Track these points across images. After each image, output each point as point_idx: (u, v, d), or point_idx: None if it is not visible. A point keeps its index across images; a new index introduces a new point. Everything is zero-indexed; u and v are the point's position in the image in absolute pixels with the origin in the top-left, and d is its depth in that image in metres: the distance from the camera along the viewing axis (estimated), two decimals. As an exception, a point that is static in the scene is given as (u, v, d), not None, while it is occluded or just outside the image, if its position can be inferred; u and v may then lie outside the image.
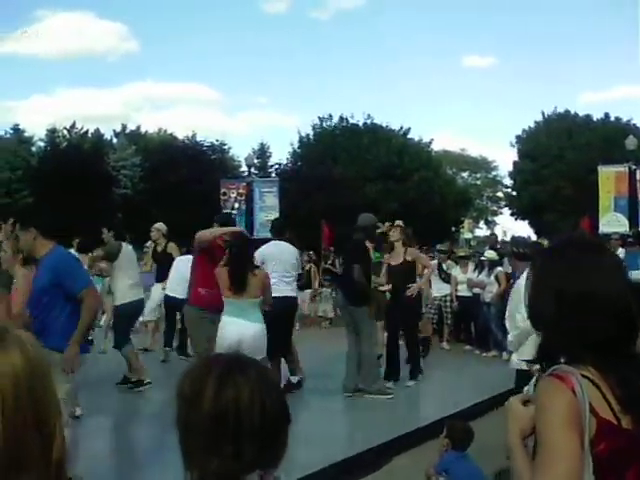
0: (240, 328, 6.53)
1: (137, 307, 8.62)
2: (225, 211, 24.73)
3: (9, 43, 79.43)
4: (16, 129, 41.27)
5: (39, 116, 71.96)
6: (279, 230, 9.14)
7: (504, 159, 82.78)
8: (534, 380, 2.10)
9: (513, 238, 7.81)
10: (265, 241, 9.03)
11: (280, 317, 7.82)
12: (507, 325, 6.52)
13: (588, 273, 1.81)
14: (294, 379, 8.79)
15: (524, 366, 5.94)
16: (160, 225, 11.36)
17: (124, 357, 8.37)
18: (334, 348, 11.22)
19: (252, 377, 1.46)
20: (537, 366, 3.22)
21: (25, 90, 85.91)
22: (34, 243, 5.14)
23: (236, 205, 25.71)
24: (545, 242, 20.52)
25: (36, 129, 67.20)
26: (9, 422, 1.24)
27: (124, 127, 47.17)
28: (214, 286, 6.86)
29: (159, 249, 11.10)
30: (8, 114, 69.47)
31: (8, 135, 40.84)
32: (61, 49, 76.30)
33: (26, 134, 41.62)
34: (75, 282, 5.04)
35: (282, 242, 8.79)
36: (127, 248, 8.71)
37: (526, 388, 4.42)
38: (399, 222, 10.32)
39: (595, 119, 44.55)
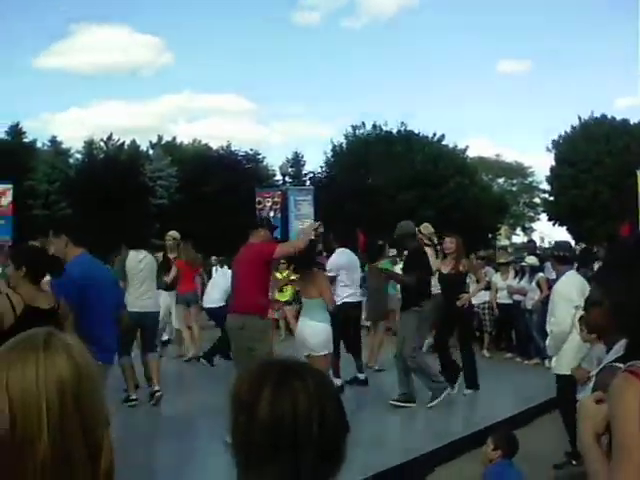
0: (303, 325, 7.19)
1: (138, 319, 8.25)
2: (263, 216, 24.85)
3: (45, 57, 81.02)
4: (53, 141, 41.94)
5: (76, 128, 73.09)
6: (344, 237, 9.83)
7: (540, 165, 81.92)
8: (591, 385, 2.04)
9: (556, 243, 7.73)
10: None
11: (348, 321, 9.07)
12: (548, 330, 6.42)
13: None
14: (361, 376, 9.43)
15: (566, 371, 5.83)
16: (174, 233, 11.67)
17: (120, 367, 8.01)
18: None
19: (310, 383, 1.41)
20: (594, 371, 3.08)
21: (62, 103, 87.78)
22: (65, 250, 5.50)
23: (271, 214, 25.78)
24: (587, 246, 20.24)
25: (73, 141, 68.46)
26: (55, 430, 1.21)
27: (160, 138, 47.73)
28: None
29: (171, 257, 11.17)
30: (46, 126, 71.12)
31: (46, 147, 41.51)
32: (97, 62, 77.41)
33: (63, 146, 42.30)
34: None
35: (347, 250, 9.59)
36: (135, 258, 8.53)
37: (582, 394, 4.31)
38: (427, 225, 10.21)
39: (632, 123, 43.91)
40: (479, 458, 4.88)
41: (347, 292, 9.41)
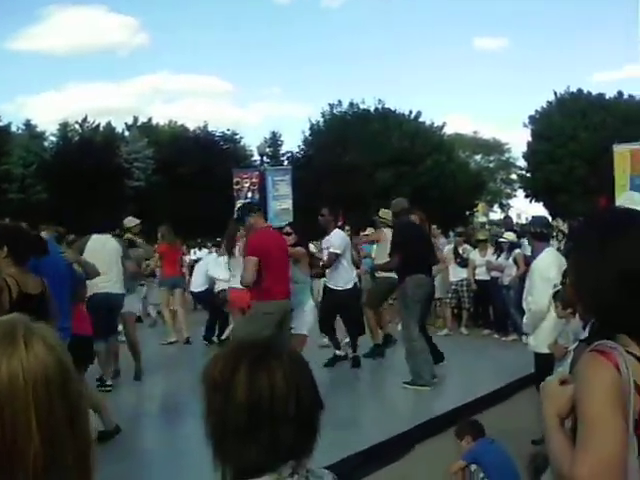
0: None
1: (101, 300, 8.16)
2: (242, 201, 24.77)
3: (20, 39, 79.76)
4: (28, 124, 41.40)
5: (51, 111, 72.37)
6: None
7: (517, 141, 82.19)
8: (569, 360, 2.03)
9: (533, 218, 7.71)
10: (280, 229, 8.99)
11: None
12: (524, 307, 6.45)
13: None
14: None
15: (544, 349, 5.89)
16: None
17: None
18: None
19: (285, 362, 1.42)
20: (572, 346, 3.08)
21: (36, 86, 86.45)
22: None
23: (249, 194, 25.63)
24: (560, 223, 20.40)
25: (48, 124, 67.50)
26: (44, 423, 1.18)
27: (136, 120, 47.25)
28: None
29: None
30: (20, 110, 70.10)
31: (20, 131, 40.98)
32: (72, 44, 76.33)
33: (38, 129, 41.78)
34: None
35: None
36: (96, 241, 8.41)
37: (560, 369, 4.32)
38: (386, 211, 10.20)
39: (608, 97, 44.12)
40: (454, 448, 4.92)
41: (350, 275, 9.56)
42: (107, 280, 8.09)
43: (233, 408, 1.39)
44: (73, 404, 1.24)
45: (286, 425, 1.38)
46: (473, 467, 4.52)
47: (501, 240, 12.29)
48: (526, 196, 49.35)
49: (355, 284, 9.73)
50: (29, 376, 1.18)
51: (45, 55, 71.16)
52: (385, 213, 10.32)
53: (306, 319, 8.26)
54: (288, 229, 9.61)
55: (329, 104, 45.35)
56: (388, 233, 9.56)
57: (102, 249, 8.18)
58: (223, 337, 10.89)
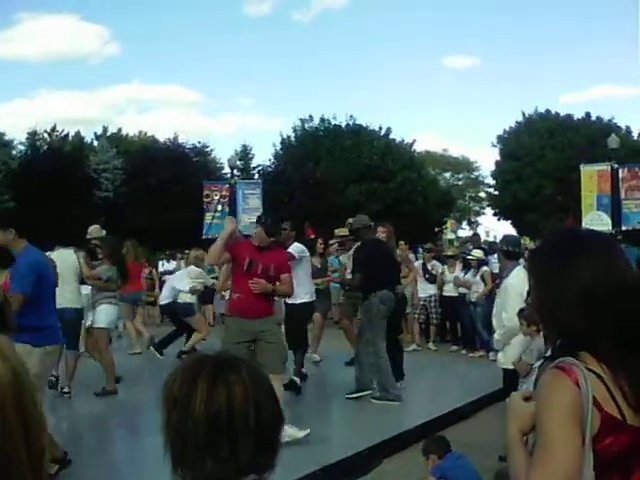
0: None
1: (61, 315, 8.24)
2: (212, 214, 24.73)
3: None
4: (-5, 133, 40.86)
5: (20, 119, 71.27)
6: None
7: (486, 159, 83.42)
8: (534, 377, 2.05)
9: (504, 236, 7.79)
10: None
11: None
12: (494, 324, 6.51)
13: (616, 263, 1.75)
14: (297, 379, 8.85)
15: (511, 365, 5.94)
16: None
17: None
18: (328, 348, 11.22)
19: (244, 376, 1.41)
20: (536, 363, 3.12)
21: (5, 93, 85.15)
22: (12, 243, 5.53)
23: (219, 207, 25.60)
24: (527, 241, 20.59)
25: (17, 132, 66.86)
26: None
27: (105, 130, 46.88)
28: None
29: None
30: (-12, 117, 68.96)
31: (-13, 139, 40.44)
32: (43, 52, 75.77)
33: (6, 137, 41.22)
34: (14, 282, 5.34)
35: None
36: (59, 256, 8.17)
37: (525, 386, 4.38)
38: (350, 220, 10.12)
39: (576, 118, 44.79)
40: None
41: (308, 288, 9.12)
42: (60, 295, 8.03)
43: (192, 423, 1.38)
44: (27, 414, 1.20)
45: (246, 439, 1.37)
46: (441, 483, 4.54)
47: (469, 257, 12.41)
48: (494, 214, 49.83)
49: (312, 299, 9.29)
50: None
51: (16, 62, 70.45)
52: (340, 230, 10.46)
53: None
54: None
55: (300, 119, 45.40)
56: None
57: (63, 264, 8.09)
58: (185, 349, 10.79)
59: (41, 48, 74.76)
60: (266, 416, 1.40)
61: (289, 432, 6.08)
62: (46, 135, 42.73)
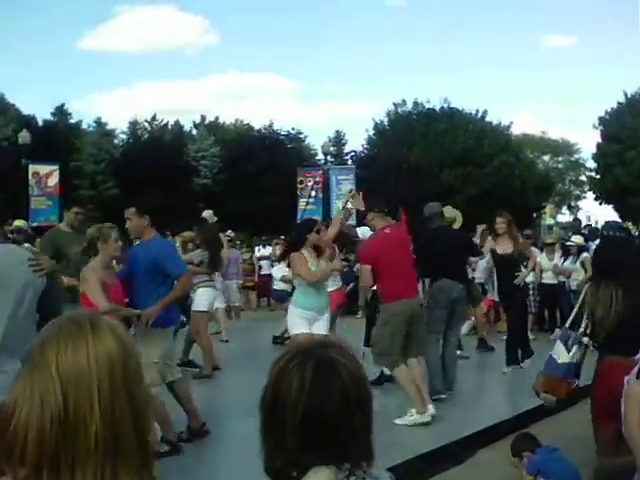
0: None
1: None
2: (306, 200, 24.91)
3: (90, 38, 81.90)
4: (99, 122, 42.42)
5: (121, 109, 74.08)
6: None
7: (587, 141, 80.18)
8: (637, 367, 1.97)
9: (606, 222, 7.52)
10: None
11: None
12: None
13: None
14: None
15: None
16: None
17: None
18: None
19: (308, 369, 1.42)
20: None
21: (107, 84, 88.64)
22: (144, 229, 5.83)
23: (313, 193, 25.78)
24: (630, 226, 19.80)
25: (119, 122, 69.21)
26: (105, 410, 1.23)
27: (203, 118, 47.97)
28: None
29: None
30: (91, 108, 72.00)
31: (91, 128, 42.02)
32: (142, 43, 78.12)
33: (108, 127, 42.76)
34: (177, 266, 5.81)
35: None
36: None
37: (628, 376, 4.24)
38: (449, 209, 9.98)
39: (682, 97, 42.70)
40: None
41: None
42: None
43: (265, 406, 1.44)
44: (134, 388, 1.28)
45: (342, 428, 1.39)
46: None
47: (569, 244, 12.03)
48: (596, 198, 48.15)
49: None
50: (93, 359, 1.24)
51: (116, 54, 72.90)
52: (451, 211, 10.17)
53: None
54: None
55: (393, 103, 45.13)
56: None
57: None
58: (278, 334, 10.86)
59: (140, 40, 77.10)
60: (362, 406, 1.42)
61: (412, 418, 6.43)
62: (146, 124, 44.14)
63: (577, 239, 12.01)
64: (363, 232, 8.24)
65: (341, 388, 1.41)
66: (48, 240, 6.91)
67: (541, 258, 12.43)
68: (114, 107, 71.58)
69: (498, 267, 9.60)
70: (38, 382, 1.23)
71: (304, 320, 6.60)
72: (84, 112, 58.22)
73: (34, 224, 18.05)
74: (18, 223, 10.90)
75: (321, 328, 6.59)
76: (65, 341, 1.25)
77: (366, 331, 8.86)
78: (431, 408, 6.65)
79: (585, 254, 11.51)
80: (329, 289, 8.47)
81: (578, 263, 11.53)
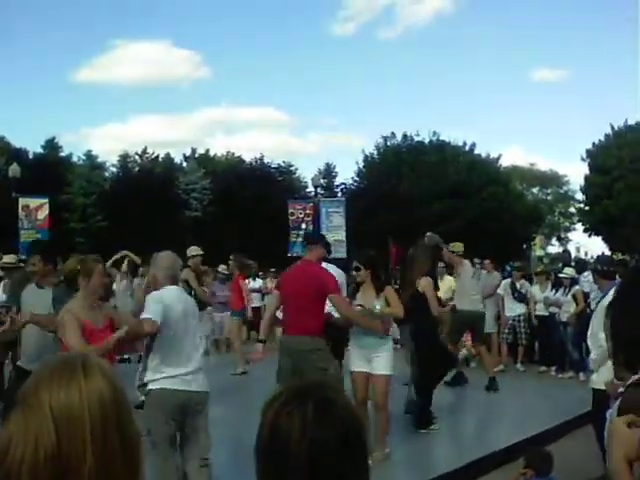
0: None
1: None
2: (297, 232, 24.97)
3: (85, 71, 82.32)
4: (89, 155, 42.53)
5: (112, 142, 74.11)
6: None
7: (575, 173, 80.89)
8: (618, 402, 1.96)
9: (599, 257, 7.58)
10: (332, 261, 8.76)
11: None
12: (589, 344, 6.31)
13: None
14: None
15: (602, 386, 5.74)
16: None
17: None
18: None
19: (309, 409, 1.39)
20: (621, 388, 3.03)
21: (99, 117, 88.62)
22: None
23: (303, 225, 25.84)
24: (620, 256, 19.89)
25: (109, 155, 69.43)
26: (98, 448, 1.24)
27: (194, 151, 48.16)
28: None
29: None
30: (83, 140, 72.08)
31: (81, 161, 42.11)
32: (135, 77, 78.39)
33: (99, 160, 42.89)
34: None
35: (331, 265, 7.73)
36: None
37: (610, 411, 4.22)
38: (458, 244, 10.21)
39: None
40: (512, 474, 4.83)
41: None
42: None
43: (260, 447, 1.42)
44: (125, 429, 1.30)
45: (297, 473, 1.36)
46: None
47: (561, 276, 12.06)
48: (585, 230, 48.43)
49: None
50: (85, 399, 1.26)
51: (109, 87, 73.19)
52: (458, 246, 10.23)
53: None
54: (356, 264, 7.63)
55: (382, 136, 45.52)
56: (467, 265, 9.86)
57: None
58: None
59: (133, 73, 77.42)
60: (324, 453, 1.37)
61: None
62: (137, 157, 44.29)
63: (569, 271, 12.04)
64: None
65: (342, 428, 1.40)
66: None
67: (533, 289, 12.46)
68: (106, 140, 71.78)
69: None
70: (32, 422, 1.24)
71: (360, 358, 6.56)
72: (75, 144, 58.77)
73: (23, 257, 17.98)
74: (7, 259, 10.78)
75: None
76: (58, 382, 1.27)
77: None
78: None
79: (577, 287, 11.54)
80: None
81: (569, 295, 11.56)
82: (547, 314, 12.07)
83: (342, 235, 24.77)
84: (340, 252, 16.28)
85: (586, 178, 45.99)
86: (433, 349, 7.94)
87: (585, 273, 12.35)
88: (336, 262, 8.67)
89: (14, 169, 25.53)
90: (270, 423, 1.41)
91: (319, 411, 1.40)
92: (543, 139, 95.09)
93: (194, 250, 10.52)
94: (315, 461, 1.36)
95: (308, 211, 26.42)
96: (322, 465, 1.37)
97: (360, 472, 1.42)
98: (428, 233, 9.16)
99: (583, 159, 46.53)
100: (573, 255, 22.90)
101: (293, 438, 1.37)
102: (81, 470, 1.22)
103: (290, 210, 26.63)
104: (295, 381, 1.56)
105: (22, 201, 23.60)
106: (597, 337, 6.03)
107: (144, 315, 4.71)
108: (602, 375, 5.91)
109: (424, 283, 7.97)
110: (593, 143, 45.98)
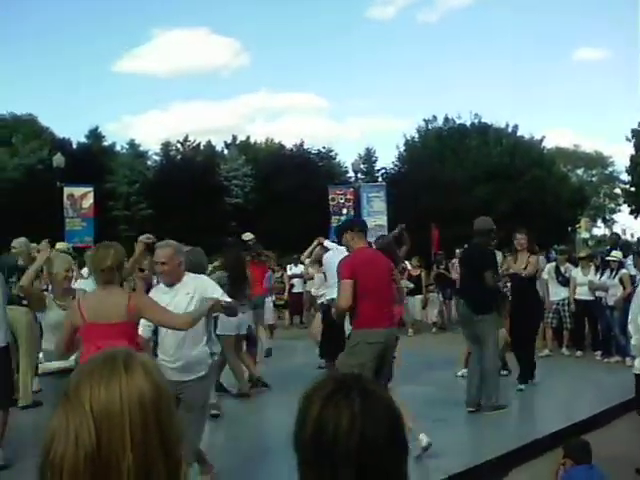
0: None
1: None
2: (338, 217, 24.95)
3: (126, 61, 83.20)
4: (132, 144, 42.99)
5: (154, 131, 74.95)
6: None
7: (621, 154, 79.18)
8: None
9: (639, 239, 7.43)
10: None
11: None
12: (630, 329, 6.19)
13: None
14: None
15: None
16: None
17: None
18: (444, 354, 11.06)
19: (355, 401, 1.38)
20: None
21: (141, 106, 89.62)
22: None
23: (344, 211, 25.82)
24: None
25: (151, 144, 70.11)
26: (138, 448, 1.24)
27: (234, 138, 48.33)
28: None
29: None
30: (125, 129, 72.98)
31: (124, 150, 42.58)
32: (175, 65, 79.05)
33: (141, 148, 43.31)
34: None
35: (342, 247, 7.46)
36: None
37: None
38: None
39: None
40: (554, 460, 4.76)
41: None
42: None
43: (302, 440, 1.40)
44: (165, 427, 1.29)
45: (346, 466, 1.35)
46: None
47: (609, 259, 11.82)
48: (631, 212, 47.47)
49: None
50: (125, 398, 1.25)
51: (150, 76, 73.96)
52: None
53: None
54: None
55: (424, 120, 45.11)
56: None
57: None
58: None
59: (173, 62, 78.12)
60: (372, 445, 1.37)
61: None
62: (179, 145, 44.62)
63: (617, 254, 11.79)
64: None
65: (387, 419, 1.40)
66: None
67: (575, 273, 12.25)
68: (148, 129, 72.61)
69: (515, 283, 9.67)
70: (73, 419, 1.24)
71: None
72: (118, 134, 59.44)
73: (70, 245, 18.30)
74: (60, 246, 10.99)
75: None
76: (99, 379, 1.27)
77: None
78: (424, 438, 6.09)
79: (624, 270, 11.30)
80: None
81: (617, 279, 11.34)
82: (592, 298, 11.86)
83: (383, 220, 24.70)
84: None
85: (631, 158, 45.01)
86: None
87: (631, 256, 12.11)
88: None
89: (58, 159, 25.93)
90: (315, 415, 1.39)
91: (366, 401, 1.39)
92: (587, 120, 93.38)
93: (247, 236, 11.07)
94: (363, 454, 1.35)
95: (349, 196, 26.40)
96: (369, 457, 1.36)
97: (402, 464, 1.42)
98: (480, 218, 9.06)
99: (628, 139, 45.53)
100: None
101: (341, 431, 1.36)
102: (121, 468, 1.22)
103: (331, 196, 26.61)
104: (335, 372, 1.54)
105: (67, 190, 23.99)
106: (637, 321, 5.91)
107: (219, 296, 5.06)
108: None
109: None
110: (639, 122, 44.97)
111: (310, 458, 1.40)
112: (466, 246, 9.83)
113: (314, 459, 1.39)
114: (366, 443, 1.36)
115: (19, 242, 8.69)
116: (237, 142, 47.78)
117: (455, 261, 14.68)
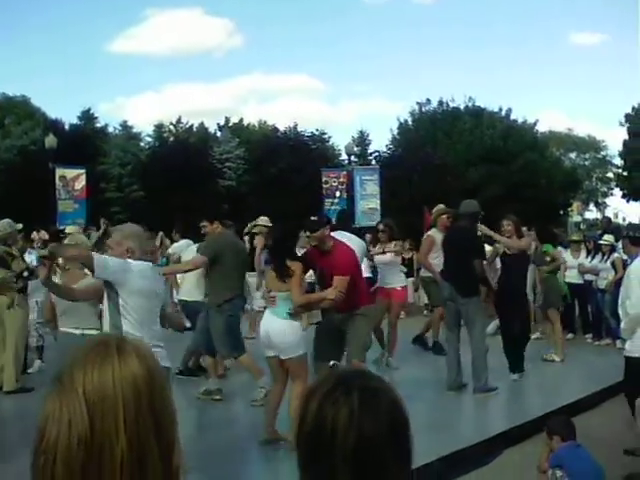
0: (266, 321, 6.22)
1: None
2: (331, 201, 24.95)
3: (119, 42, 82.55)
4: (125, 126, 42.78)
5: (147, 112, 74.52)
6: (344, 221, 8.98)
7: (614, 138, 79.24)
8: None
9: (630, 224, 7.46)
10: (367, 229, 8.97)
11: None
12: (620, 313, 6.25)
13: None
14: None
15: (635, 354, 5.68)
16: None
17: None
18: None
19: (354, 398, 1.39)
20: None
21: (134, 87, 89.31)
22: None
23: (337, 194, 25.80)
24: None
25: (144, 125, 69.78)
26: (131, 430, 1.25)
27: (227, 120, 48.11)
28: None
29: None
30: (118, 110, 72.56)
31: (117, 132, 42.38)
32: (169, 46, 78.57)
33: (134, 130, 43.11)
34: None
35: (346, 233, 7.67)
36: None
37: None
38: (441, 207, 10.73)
39: None
40: (545, 441, 4.83)
41: None
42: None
43: (300, 435, 1.42)
44: (158, 411, 1.30)
45: (346, 463, 1.36)
46: (558, 473, 4.44)
47: (601, 243, 11.88)
48: (623, 195, 47.64)
49: None
50: (118, 382, 1.26)
51: (143, 57, 73.50)
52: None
53: None
54: (381, 226, 9.90)
55: (417, 103, 45.02)
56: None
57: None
58: None
59: (167, 43, 77.60)
60: (369, 442, 1.37)
61: None
62: (172, 127, 44.40)
63: (609, 238, 11.85)
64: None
65: (388, 416, 1.40)
66: None
67: (566, 256, 12.28)
68: (141, 110, 72.26)
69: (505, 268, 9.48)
70: (66, 403, 1.25)
71: None
72: (111, 115, 59.11)
73: (61, 227, 18.24)
74: (70, 229, 10.95)
75: None
76: (92, 363, 1.28)
77: None
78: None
79: (616, 254, 11.35)
80: (394, 285, 9.24)
81: (609, 262, 11.41)
82: (581, 281, 11.92)
83: (376, 203, 24.69)
84: (374, 220, 16.23)
85: (625, 143, 45.12)
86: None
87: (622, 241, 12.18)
88: (370, 230, 8.84)
89: (50, 140, 25.76)
90: (314, 412, 1.40)
91: (365, 399, 1.40)
92: (581, 104, 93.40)
93: (263, 221, 11.67)
94: (361, 451, 1.36)
95: (342, 179, 26.34)
96: (367, 455, 1.36)
97: (404, 462, 1.42)
98: (466, 200, 9.06)
99: (622, 124, 45.66)
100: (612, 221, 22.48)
101: (339, 428, 1.36)
102: (114, 452, 1.23)
103: (324, 179, 26.55)
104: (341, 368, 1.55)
105: (59, 172, 23.80)
106: (625, 304, 5.97)
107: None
108: (636, 342, 5.86)
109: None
110: (632, 107, 45.01)
111: (310, 454, 1.41)
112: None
113: (313, 455, 1.40)
114: (364, 440, 1.36)
115: (2, 224, 8.26)
116: (230, 124, 47.55)
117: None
